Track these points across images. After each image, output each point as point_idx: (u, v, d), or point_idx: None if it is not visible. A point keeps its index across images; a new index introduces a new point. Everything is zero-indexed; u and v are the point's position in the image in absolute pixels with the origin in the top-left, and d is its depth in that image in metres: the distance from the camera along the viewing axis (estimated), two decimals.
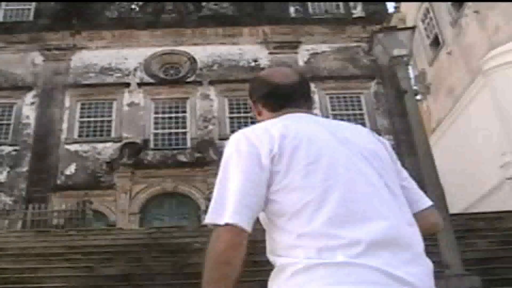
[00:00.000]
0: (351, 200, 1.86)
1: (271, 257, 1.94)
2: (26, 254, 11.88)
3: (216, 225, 1.83)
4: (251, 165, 1.91)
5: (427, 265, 1.89)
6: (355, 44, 25.55)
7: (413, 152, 23.13)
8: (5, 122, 23.44)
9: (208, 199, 19.09)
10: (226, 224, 1.81)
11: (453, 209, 15.27)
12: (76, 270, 10.81)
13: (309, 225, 1.82)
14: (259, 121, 2.21)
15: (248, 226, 1.83)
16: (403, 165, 2.27)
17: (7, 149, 22.71)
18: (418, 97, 23.16)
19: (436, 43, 25.22)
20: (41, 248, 12.35)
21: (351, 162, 1.96)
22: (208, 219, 1.87)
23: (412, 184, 2.17)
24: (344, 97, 24.40)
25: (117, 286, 9.90)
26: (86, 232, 14.16)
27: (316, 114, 2.35)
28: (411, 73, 24.30)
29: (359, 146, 2.04)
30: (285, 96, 2.23)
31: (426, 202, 2.15)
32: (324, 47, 25.44)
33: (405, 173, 2.18)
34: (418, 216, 2.04)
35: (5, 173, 22.15)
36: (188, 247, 12.22)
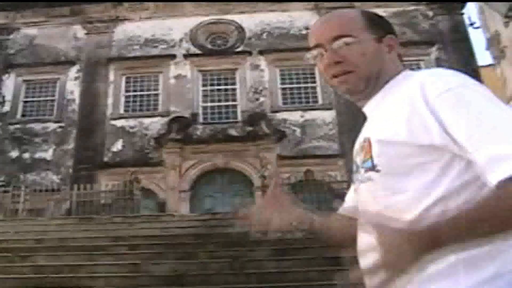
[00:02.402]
0: None
1: None
2: (66, 246, 10.15)
3: None
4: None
5: None
6: (413, 7, 23.05)
7: None
8: (49, 98, 22.01)
9: (264, 177, 17.23)
10: None
11: None
12: (121, 268, 9.03)
13: None
14: (379, 55, 1.63)
15: None
16: None
17: (52, 126, 21.30)
18: (492, 62, 20.65)
19: None
20: (83, 239, 10.61)
21: None
22: None
23: None
24: (403, 65, 21.92)
25: None
26: (133, 220, 12.36)
27: None
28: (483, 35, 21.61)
29: None
30: None
31: None
32: (379, 12, 22.37)
33: None
34: None
35: (51, 151, 20.77)
36: (248, 239, 10.32)
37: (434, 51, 22.01)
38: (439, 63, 21.68)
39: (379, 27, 1.67)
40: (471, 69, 21.32)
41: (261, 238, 10.72)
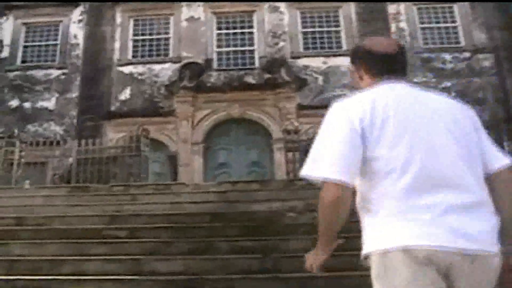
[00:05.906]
0: (431, 169, 1.99)
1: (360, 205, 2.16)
2: (49, 230, 7.58)
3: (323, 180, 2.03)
4: (346, 129, 2.05)
5: (492, 222, 2.01)
6: None
7: None
8: (51, 42, 19.18)
9: (288, 132, 14.54)
10: (334, 180, 1.99)
11: None
12: (116, 265, 6.47)
13: (393, 188, 1.99)
14: (359, 86, 2.33)
15: (352, 182, 2.04)
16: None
17: (55, 72, 18.64)
18: None
19: None
20: (73, 218, 8.01)
21: (434, 132, 2.06)
22: (314, 172, 2.07)
23: (490, 147, 2.20)
24: (434, 8, 19.07)
25: None
26: (136, 190, 9.72)
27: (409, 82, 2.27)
28: None
29: (444, 117, 2.12)
30: (386, 65, 2.26)
31: (502, 161, 2.17)
32: None
33: (485, 136, 2.20)
34: (495, 176, 2.12)
35: (53, 100, 18.24)
36: (280, 221, 7.73)
37: None
38: (473, 6, 18.87)
39: (358, 59, 2.43)
40: (507, 16, 18.67)
41: (295, 219, 8.17)
